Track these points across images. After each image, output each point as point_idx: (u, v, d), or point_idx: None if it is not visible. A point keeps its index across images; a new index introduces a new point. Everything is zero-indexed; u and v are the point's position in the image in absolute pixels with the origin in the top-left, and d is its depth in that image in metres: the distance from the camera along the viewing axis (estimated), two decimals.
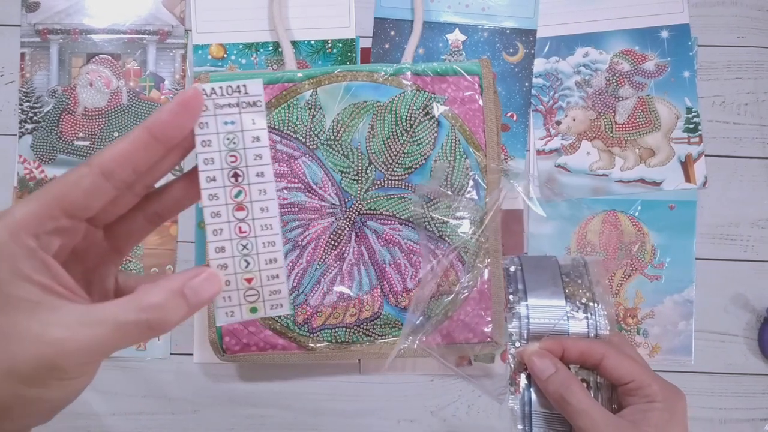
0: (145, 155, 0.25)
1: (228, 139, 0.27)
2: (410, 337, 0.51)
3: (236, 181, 0.27)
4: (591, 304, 0.38)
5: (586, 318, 0.38)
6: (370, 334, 0.52)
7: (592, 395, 0.36)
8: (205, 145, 0.27)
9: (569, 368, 0.37)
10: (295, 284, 0.52)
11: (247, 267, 0.27)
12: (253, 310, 0.28)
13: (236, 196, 0.27)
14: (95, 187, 0.25)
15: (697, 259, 0.58)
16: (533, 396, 0.37)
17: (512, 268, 0.40)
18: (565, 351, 0.37)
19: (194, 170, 0.27)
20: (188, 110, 0.26)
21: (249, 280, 0.27)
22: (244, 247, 0.27)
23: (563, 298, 0.38)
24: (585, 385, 0.36)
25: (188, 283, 0.25)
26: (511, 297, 0.39)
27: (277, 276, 0.28)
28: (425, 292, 0.51)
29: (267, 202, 0.27)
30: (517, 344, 0.38)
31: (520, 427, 0.37)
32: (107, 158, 0.25)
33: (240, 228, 0.27)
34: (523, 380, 0.37)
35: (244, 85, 0.27)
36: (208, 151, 0.27)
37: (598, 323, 0.38)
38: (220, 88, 0.27)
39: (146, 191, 0.28)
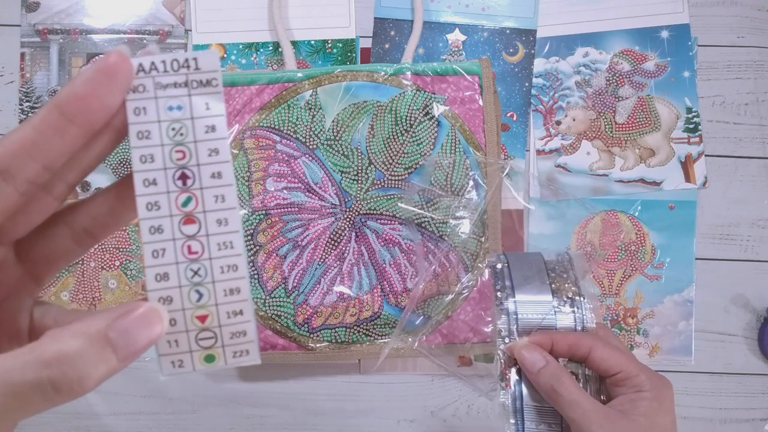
0: (57, 144, 0.19)
1: (173, 129, 0.21)
2: (410, 338, 0.51)
3: (184, 184, 0.21)
4: (577, 298, 0.39)
5: (573, 312, 0.38)
6: (370, 334, 0.52)
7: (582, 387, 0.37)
8: (141, 137, 0.21)
9: (558, 361, 0.37)
10: (295, 284, 0.52)
11: (199, 300, 0.21)
12: (209, 358, 0.21)
13: (184, 204, 0.21)
14: None
15: (697, 259, 0.58)
16: (524, 390, 0.37)
17: (499, 266, 0.40)
18: (554, 345, 0.37)
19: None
20: (111, 79, 0.19)
21: (202, 318, 0.21)
22: (195, 273, 0.21)
23: (550, 293, 0.39)
24: (574, 377, 0.37)
25: (115, 323, 0.19)
26: (498, 293, 0.39)
27: (241, 312, 0.21)
28: (419, 290, 0.51)
29: (226, 213, 0.21)
30: (507, 340, 0.38)
31: (512, 421, 0.37)
32: (3, 151, 0.19)
33: (189, 247, 0.21)
34: (513, 375, 0.38)
35: (195, 59, 0.21)
36: (147, 145, 0.21)
37: (584, 317, 0.38)
38: (163, 62, 0.20)
39: (71, 191, 0.21)
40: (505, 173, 0.52)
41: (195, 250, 0.21)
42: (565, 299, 0.39)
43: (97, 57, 0.58)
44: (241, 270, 0.21)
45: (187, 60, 0.21)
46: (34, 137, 0.19)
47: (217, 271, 0.21)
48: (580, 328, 0.38)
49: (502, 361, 0.38)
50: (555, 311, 0.38)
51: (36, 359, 0.18)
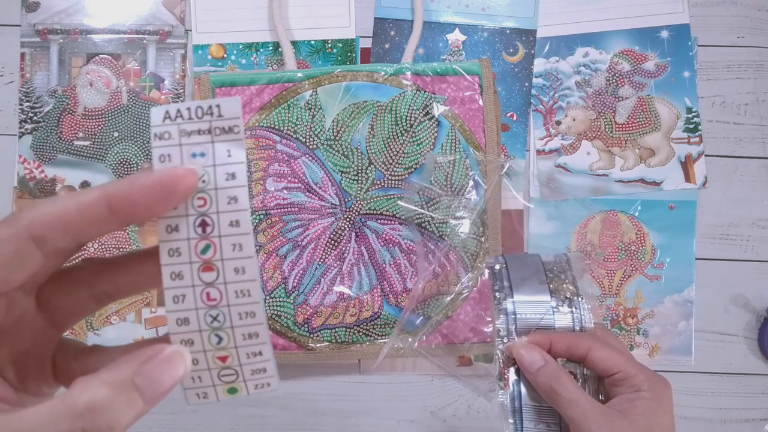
0: (95, 228, 0.20)
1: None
2: (410, 338, 0.51)
3: (204, 232, 0.21)
4: (575, 298, 0.39)
5: (571, 312, 0.38)
6: (370, 334, 0.52)
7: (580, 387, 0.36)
8: None
9: (556, 361, 0.37)
10: (295, 284, 0.52)
11: (219, 343, 0.21)
12: (232, 390, 0.22)
13: (203, 251, 0.21)
14: (19, 257, 0.19)
15: (697, 259, 0.58)
16: (523, 390, 0.37)
17: (497, 267, 0.40)
18: (553, 344, 0.37)
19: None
20: (171, 195, 0.20)
21: (223, 359, 0.22)
22: (214, 318, 0.21)
23: (548, 293, 0.39)
24: (573, 377, 0.37)
25: (141, 369, 0.19)
26: (497, 294, 0.39)
27: (261, 353, 0.22)
28: (419, 289, 0.51)
29: (243, 261, 0.21)
30: (505, 340, 0.38)
31: (510, 421, 0.37)
32: (42, 220, 0.19)
33: (208, 294, 0.21)
34: (512, 375, 0.38)
35: (218, 106, 0.21)
36: None
37: (582, 317, 0.38)
38: (188, 109, 0.21)
39: (92, 240, 0.22)
40: (504, 170, 0.52)
41: (213, 297, 0.21)
42: (563, 299, 0.39)
43: (98, 56, 0.58)
44: (258, 316, 0.21)
45: (210, 107, 0.21)
46: (75, 217, 0.19)
47: (235, 318, 0.21)
48: (578, 328, 0.38)
49: (501, 360, 0.38)
50: (553, 311, 0.38)
51: (68, 411, 0.18)
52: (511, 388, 0.38)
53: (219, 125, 0.21)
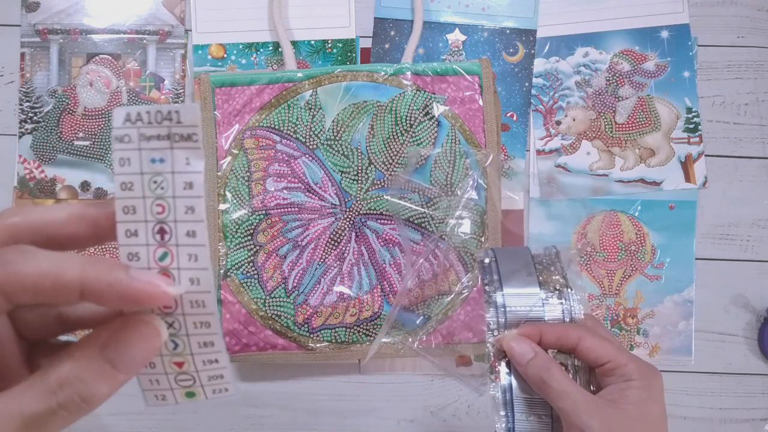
0: (59, 302, 0.20)
1: (155, 182, 0.21)
2: (410, 338, 0.51)
3: (162, 239, 0.21)
4: (564, 289, 0.39)
5: (561, 303, 0.38)
6: (370, 334, 0.52)
7: (571, 378, 0.36)
8: (125, 188, 0.21)
9: (547, 353, 0.37)
10: (295, 284, 0.52)
11: (175, 349, 0.22)
12: (190, 394, 0.23)
13: (161, 259, 0.21)
14: None
15: (697, 259, 0.58)
16: (514, 382, 0.37)
17: (486, 260, 0.40)
18: (543, 336, 0.37)
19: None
20: (141, 305, 0.20)
21: (179, 365, 0.22)
22: (170, 325, 0.21)
23: (537, 285, 0.39)
24: (563, 368, 0.37)
25: (108, 341, 0.19)
26: (486, 287, 0.39)
27: (217, 360, 0.22)
28: (407, 285, 0.51)
29: (198, 273, 0.21)
30: (496, 332, 0.38)
31: (502, 413, 0.37)
32: (16, 281, 0.19)
33: None
34: (503, 368, 0.38)
35: (177, 112, 0.20)
36: (130, 196, 0.21)
37: (572, 308, 0.38)
38: (147, 113, 0.21)
39: None
40: (488, 162, 0.52)
41: (168, 305, 0.21)
42: (553, 291, 0.39)
43: (98, 56, 0.58)
44: (213, 327, 0.21)
45: (169, 112, 0.20)
46: (47, 290, 0.19)
47: (190, 326, 0.21)
48: (568, 319, 0.38)
49: (492, 354, 0.38)
50: (543, 303, 0.38)
51: (44, 387, 0.19)
52: (502, 380, 0.38)
53: (178, 132, 0.21)
